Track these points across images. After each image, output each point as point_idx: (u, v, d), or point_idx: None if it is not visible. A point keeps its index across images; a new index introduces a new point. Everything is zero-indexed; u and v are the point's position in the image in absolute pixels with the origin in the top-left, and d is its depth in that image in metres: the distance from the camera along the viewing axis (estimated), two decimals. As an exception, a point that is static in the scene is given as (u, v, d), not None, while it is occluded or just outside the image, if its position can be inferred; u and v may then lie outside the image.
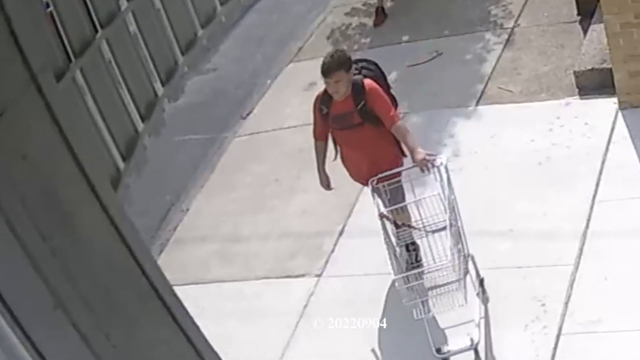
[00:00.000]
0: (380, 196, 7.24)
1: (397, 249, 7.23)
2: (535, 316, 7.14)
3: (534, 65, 10.07)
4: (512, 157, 8.79)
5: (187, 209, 9.81)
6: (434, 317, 6.97)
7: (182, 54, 12.50)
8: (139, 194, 10.26)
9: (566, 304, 7.15)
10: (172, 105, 11.88)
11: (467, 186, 8.35)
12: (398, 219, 7.33)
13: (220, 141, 10.74)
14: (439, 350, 6.67)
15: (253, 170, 10.00)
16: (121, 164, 10.76)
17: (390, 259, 6.86)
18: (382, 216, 7.07)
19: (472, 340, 6.66)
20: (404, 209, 7.42)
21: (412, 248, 7.49)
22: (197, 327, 3.39)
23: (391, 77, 10.58)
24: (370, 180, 7.24)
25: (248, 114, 11.05)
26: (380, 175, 7.23)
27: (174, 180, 10.37)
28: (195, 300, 7.93)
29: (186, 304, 3.37)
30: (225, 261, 8.89)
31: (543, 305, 7.21)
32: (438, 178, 7.08)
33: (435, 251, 7.02)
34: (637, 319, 6.82)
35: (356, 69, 7.44)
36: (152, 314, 3.21)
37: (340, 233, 8.66)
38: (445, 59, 10.67)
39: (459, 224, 7.04)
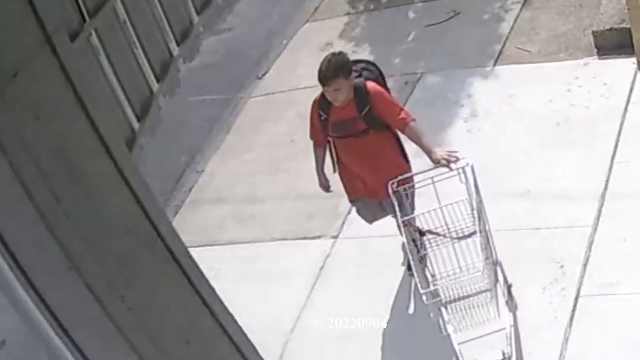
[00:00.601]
0: (399, 199, 6.67)
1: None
2: (554, 278, 7.11)
3: (552, 25, 9.97)
4: (530, 117, 8.73)
5: (202, 170, 9.79)
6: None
7: (198, 13, 12.43)
8: (154, 155, 10.25)
9: (585, 265, 7.11)
10: (187, 66, 11.83)
11: (485, 147, 8.31)
12: (420, 226, 6.95)
13: (236, 102, 10.70)
14: None
15: (269, 131, 9.96)
16: (136, 125, 10.74)
17: (417, 271, 6.53)
18: (405, 224, 6.64)
19: (504, 353, 6.32)
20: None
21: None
22: (213, 289, 3.38)
23: (408, 38, 10.54)
24: (390, 183, 6.63)
25: (264, 74, 11.00)
26: (400, 178, 6.70)
27: (189, 141, 10.34)
28: (211, 262, 7.94)
29: (201, 265, 3.36)
30: (241, 223, 8.88)
31: (561, 267, 7.17)
32: (463, 180, 6.60)
33: (462, 259, 6.69)
34: (656, 281, 6.79)
35: (355, 70, 6.87)
36: (167, 276, 3.20)
37: (357, 194, 8.63)
38: (463, 18, 10.58)
39: (487, 229, 6.65)
